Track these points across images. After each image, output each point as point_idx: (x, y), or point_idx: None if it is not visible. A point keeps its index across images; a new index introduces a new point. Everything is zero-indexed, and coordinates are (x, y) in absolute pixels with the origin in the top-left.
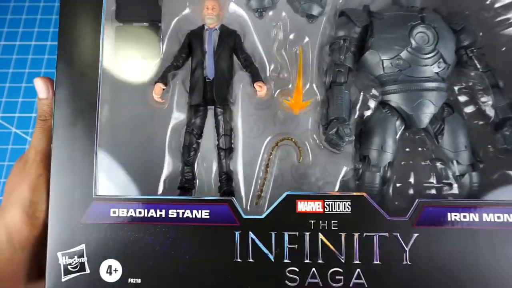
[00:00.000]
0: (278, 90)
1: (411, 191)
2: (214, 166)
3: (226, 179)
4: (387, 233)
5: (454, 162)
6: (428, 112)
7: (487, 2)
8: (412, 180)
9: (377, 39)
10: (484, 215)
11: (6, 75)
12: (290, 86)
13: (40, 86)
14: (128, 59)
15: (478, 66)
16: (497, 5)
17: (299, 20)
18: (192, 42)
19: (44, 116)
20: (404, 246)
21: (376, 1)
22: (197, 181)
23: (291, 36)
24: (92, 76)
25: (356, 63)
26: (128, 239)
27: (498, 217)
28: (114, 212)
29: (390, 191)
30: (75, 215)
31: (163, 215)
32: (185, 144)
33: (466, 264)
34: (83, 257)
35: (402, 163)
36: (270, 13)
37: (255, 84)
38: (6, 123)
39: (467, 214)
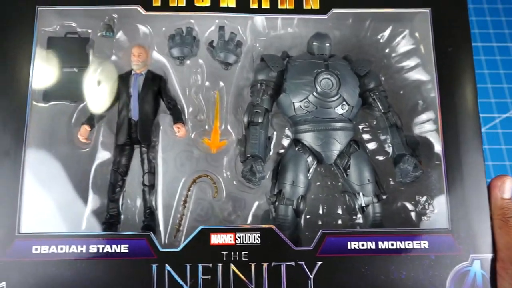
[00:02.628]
0: (194, 132)
1: (320, 222)
2: (139, 202)
3: (150, 214)
4: (293, 262)
5: (360, 194)
6: (334, 149)
7: (386, 51)
8: (321, 212)
9: (289, 83)
10: (380, 242)
11: None
12: (206, 127)
13: None
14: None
15: (380, 107)
16: (393, 54)
17: (215, 67)
18: (119, 86)
19: None
20: (309, 273)
21: (295, 48)
22: (122, 216)
23: (208, 82)
24: (20, 115)
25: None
26: (48, 275)
27: (392, 244)
28: (36, 249)
29: (302, 222)
30: None
31: (84, 251)
32: (110, 182)
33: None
34: None
35: (313, 196)
36: (188, 61)
37: (174, 125)
38: None
39: (365, 243)
